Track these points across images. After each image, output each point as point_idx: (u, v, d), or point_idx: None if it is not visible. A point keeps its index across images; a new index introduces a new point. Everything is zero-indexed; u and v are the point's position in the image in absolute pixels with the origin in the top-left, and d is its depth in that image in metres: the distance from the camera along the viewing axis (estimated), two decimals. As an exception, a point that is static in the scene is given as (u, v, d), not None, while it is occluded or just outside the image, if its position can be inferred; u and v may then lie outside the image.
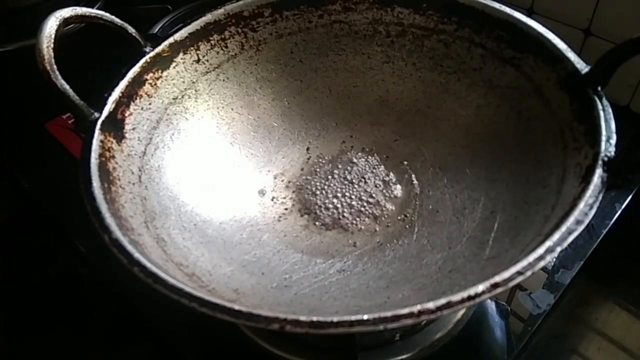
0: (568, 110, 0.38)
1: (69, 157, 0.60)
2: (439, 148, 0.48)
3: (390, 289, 0.39)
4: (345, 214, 0.46)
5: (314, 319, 0.27)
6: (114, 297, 0.52)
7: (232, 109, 0.50)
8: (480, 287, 0.27)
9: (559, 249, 0.29)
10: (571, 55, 0.38)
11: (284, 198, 0.48)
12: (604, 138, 0.33)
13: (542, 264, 0.28)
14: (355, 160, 0.50)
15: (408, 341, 0.42)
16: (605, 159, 0.32)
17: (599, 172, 0.32)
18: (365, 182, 0.48)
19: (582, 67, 0.37)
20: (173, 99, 0.45)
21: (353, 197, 0.47)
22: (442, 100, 0.48)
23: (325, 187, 0.49)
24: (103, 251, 0.31)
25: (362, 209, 0.46)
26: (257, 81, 0.50)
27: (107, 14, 0.41)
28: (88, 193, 0.34)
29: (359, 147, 0.51)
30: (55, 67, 0.36)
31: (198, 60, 0.47)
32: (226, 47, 0.48)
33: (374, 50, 0.50)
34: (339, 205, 0.47)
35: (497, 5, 0.43)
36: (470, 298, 0.27)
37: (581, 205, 0.30)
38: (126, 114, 0.41)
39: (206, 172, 0.46)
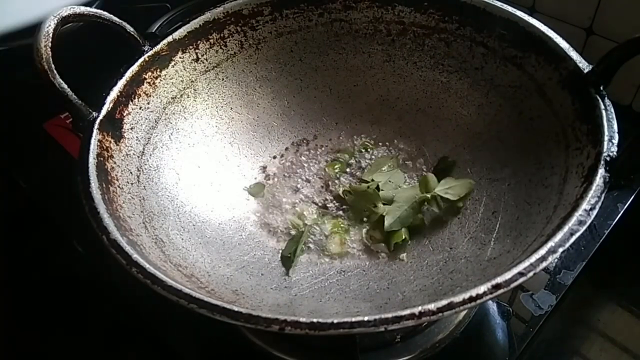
0: (570, 109, 0.37)
1: (67, 156, 0.59)
2: (441, 148, 0.48)
3: (390, 290, 0.39)
4: (346, 214, 0.46)
5: (314, 320, 0.26)
6: (113, 297, 0.51)
7: (231, 108, 0.49)
8: (482, 288, 0.27)
9: (561, 250, 0.29)
10: (573, 55, 0.38)
11: (284, 198, 0.48)
12: (606, 138, 0.33)
13: (544, 264, 0.28)
14: (357, 160, 0.50)
15: (409, 342, 0.42)
16: (608, 158, 0.32)
17: (601, 172, 0.32)
18: (366, 183, 0.48)
19: (584, 66, 0.37)
20: (172, 98, 0.45)
21: (354, 197, 0.47)
22: (444, 99, 0.48)
23: (326, 186, 0.48)
24: (102, 251, 0.31)
25: (370, 213, 0.46)
26: (256, 80, 0.50)
27: (106, 13, 0.41)
28: (86, 193, 0.34)
29: (359, 147, 0.51)
30: (53, 66, 0.36)
31: (197, 59, 0.46)
32: (225, 45, 0.48)
33: (374, 49, 0.50)
34: (339, 205, 0.47)
35: (498, 3, 0.43)
36: (471, 299, 0.27)
37: (583, 206, 0.30)
38: (124, 114, 0.41)
39: (205, 172, 0.46)
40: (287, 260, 0.42)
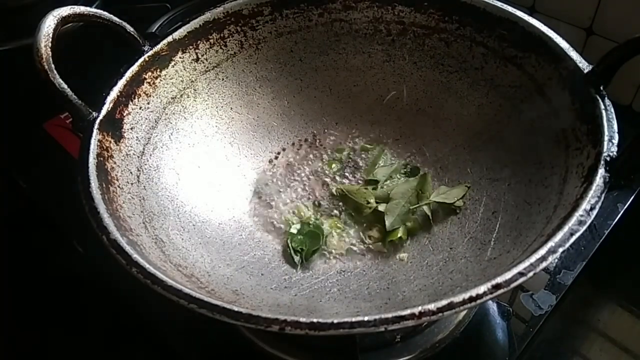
0: (570, 109, 0.37)
1: (67, 156, 0.59)
2: (441, 148, 0.48)
3: (390, 290, 0.39)
4: (345, 214, 0.46)
5: (314, 320, 0.26)
6: (113, 297, 0.51)
7: (231, 109, 0.49)
8: (482, 288, 0.27)
9: (561, 250, 0.29)
10: (573, 55, 0.38)
11: (284, 198, 0.48)
12: (606, 138, 0.33)
13: (544, 265, 0.28)
14: (356, 160, 0.50)
15: (409, 342, 0.42)
16: (608, 158, 0.32)
17: (601, 172, 0.32)
18: (366, 182, 0.48)
19: (584, 66, 0.37)
20: (172, 98, 0.45)
21: (347, 195, 0.47)
22: (444, 99, 0.48)
23: (325, 186, 0.48)
24: (102, 251, 0.31)
25: (363, 209, 0.46)
26: (256, 80, 0.50)
27: (106, 13, 0.41)
28: (86, 193, 0.34)
29: (359, 147, 0.51)
30: (53, 66, 0.36)
31: (197, 59, 0.46)
32: (225, 45, 0.48)
33: (374, 49, 0.50)
34: (338, 205, 0.47)
35: (498, 3, 0.43)
36: (471, 299, 0.27)
37: (583, 206, 0.30)
38: (124, 114, 0.41)
39: (205, 172, 0.46)
40: (298, 254, 0.42)
